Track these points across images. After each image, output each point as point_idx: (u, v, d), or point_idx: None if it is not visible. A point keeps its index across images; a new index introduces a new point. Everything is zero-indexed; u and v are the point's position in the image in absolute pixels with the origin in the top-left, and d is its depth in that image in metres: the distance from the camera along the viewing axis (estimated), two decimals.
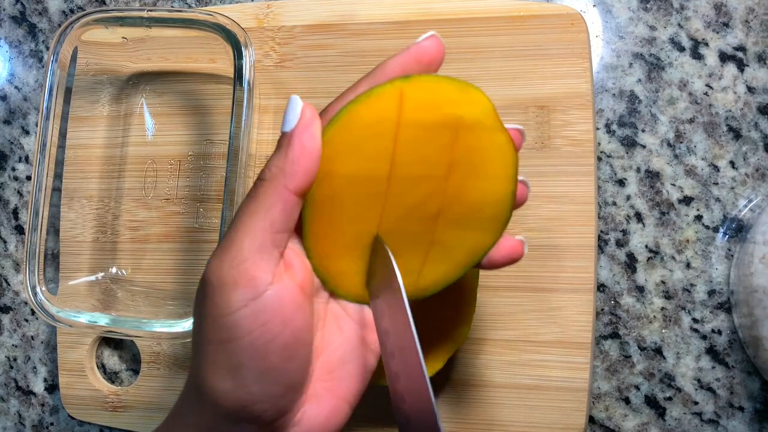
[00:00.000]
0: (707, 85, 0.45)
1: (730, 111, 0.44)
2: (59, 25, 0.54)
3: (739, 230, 0.44)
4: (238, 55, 0.42)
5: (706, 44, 0.45)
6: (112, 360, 0.51)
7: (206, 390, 0.27)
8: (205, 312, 0.27)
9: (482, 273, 0.43)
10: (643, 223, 0.45)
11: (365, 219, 0.29)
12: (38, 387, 0.53)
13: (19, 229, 0.54)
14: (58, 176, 0.45)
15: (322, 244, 0.29)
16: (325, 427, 0.29)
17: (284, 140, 0.27)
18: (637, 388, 0.44)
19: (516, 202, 0.30)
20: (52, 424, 0.53)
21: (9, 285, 0.54)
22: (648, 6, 0.46)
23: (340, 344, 0.30)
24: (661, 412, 0.44)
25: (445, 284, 0.31)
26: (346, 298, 0.31)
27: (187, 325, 0.42)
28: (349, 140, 0.28)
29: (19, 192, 0.54)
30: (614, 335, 0.45)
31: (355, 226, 0.29)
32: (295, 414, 0.28)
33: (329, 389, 0.29)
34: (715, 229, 0.44)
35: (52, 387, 0.53)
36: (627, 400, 0.45)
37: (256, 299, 0.26)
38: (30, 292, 0.43)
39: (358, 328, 0.30)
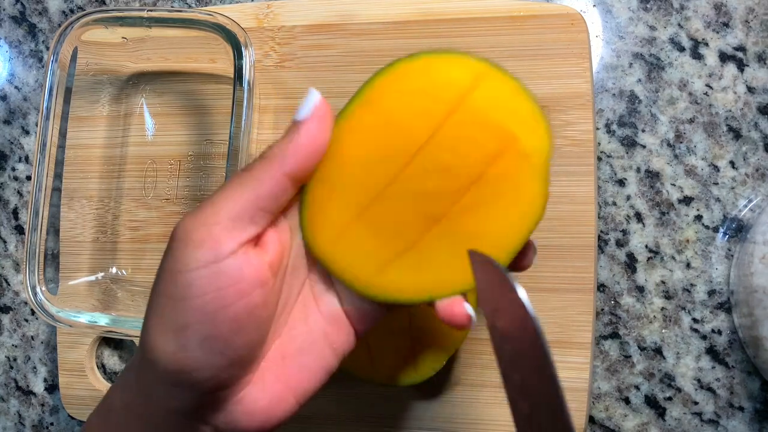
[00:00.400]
0: (707, 85, 0.45)
1: (730, 111, 0.44)
2: (59, 25, 0.54)
3: (739, 230, 0.44)
4: (238, 55, 0.42)
5: (706, 44, 0.45)
6: (112, 360, 0.51)
7: (149, 348, 0.27)
8: (165, 266, 0.26)
9: None
10: (643, 223, 0.45)
11: (367, 187, 0.27)
12: (38, 387, 0.53)
13: (19, 229, 0.54)
14: (58, 176, 0.45)
15: (324, 222, 0.28)
16: (266, 413, 0.28)
17: (293, 127, 0.27)
18: (637, 388, 0.44)
19: (517, 263, 0.29)
20: (52, 424, 0.53)
21: (9, 285, 0.54)
22: (648, 6, 0.46)
23: (301, 333, 0.29)
24: (661, 412, 0.44)
25: (398, 297, 0.28)
26: (352, 287, 0.29)
27: None
28: (399, 93, 0.27)
29: (19, 192, 0.54)
30: (614, 335, 0.45)
31: (356, 194, 0.28)
32: (237, 391, 0.28)
33: (278, 376, 0.28)
34: (715, 229, 0.44)
35: (52, 387, 0.53)
36: (627, 400, 0.45)
37: (216, 263, 0.25)
38: (30, 292, 0.43)
39: (324, 323, 0.29)
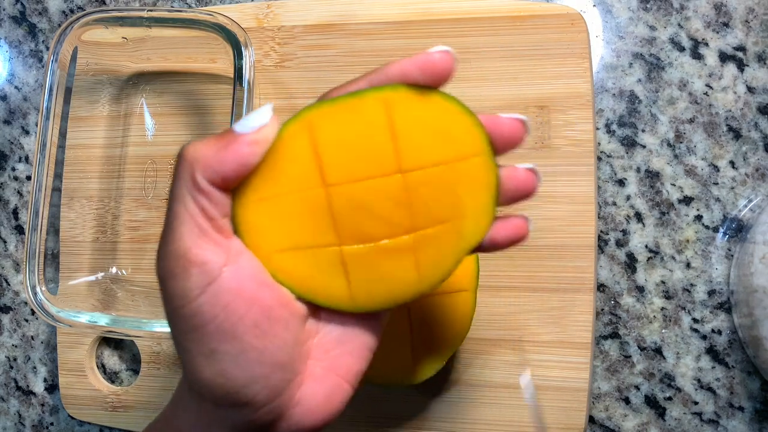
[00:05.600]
0: (707, 85, 0.45)
1: (730, 111, 0.44)
2: (59, 25, 0.54)
3: (739, 230, 0.44)
4: (238, 55, 0.42)
5: (706, 44, 0.45)
6: (112, 360, 0.51)
7: (192, 382, 0.27)
8: (167, 308, 0.26)
9: (482, 273, 0.43)
10: (643, 223, 0.45)
11: (321, 232, 0.27)
12: (38, 387, 0.53)
13: (19, 229, 0.54)
14: (58, 176, 0.45)
15: (286, 261, 0.28)
16: (326, 406, 0.28)
17: (229, 136, 0.25)
18: (637, 388, 0.44)
19: (522, 188, 0.28)
20: (52, 424, 0.53)
21: (9, 285, 0.54)
22: (648, 6, 0.46)
23: (336, 325, 0.29)
24: (661, 412, 0.44)
25: (451, 271, 0.29)
26: (335, 307, 0.29)
27: None
28: (308, 146, 0.27)
29: (19, 192, 0.54)
30: (614, 335, 0.45)
31: (312, 238, 0.28)
32: (292, 394, 0.27)
33: (327, 368, 0.28)
34: (715, 229, 0.44)
35: (52, 387, 0.53)
36: (627, 400, 0.45)
37: (211, 283, 0.25)
38: (30, 292, 0.43)
39: (355, 315, 0.29)
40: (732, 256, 0.44)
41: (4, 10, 0.55)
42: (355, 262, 0.28)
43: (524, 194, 0.28)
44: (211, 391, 0.26)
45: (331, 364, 0.29)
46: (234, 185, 0.26)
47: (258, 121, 0.25)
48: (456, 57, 0.26)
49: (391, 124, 0.26)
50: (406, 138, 0.27)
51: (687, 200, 0.44)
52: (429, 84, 0.27)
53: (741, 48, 0.44)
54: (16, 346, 0.54)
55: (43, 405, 0.53)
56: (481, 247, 0.29)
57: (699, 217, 0.44)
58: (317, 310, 0.29)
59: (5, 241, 0.54)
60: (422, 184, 0.27)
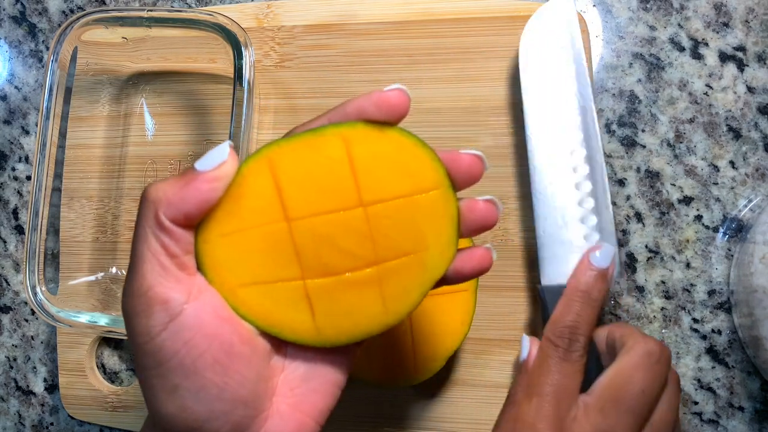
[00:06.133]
0: (707, 85, 0.45)
1: (730, 111, 0.44)
2: (59, 25, 0.54)
3: (739, 230, 0.44)
4: (238, 55, 0.42)
5: (706, 44, 0.45)
6: (112, 360, 0.51)
7: (157, 417, 0.27)
8: (132, 342, 0.27)
9: None
10: (643, 223, 0.45)
11: (285, 266, 0.28)
12: (38, 387, 0.53)
13: (19, 229, 0.54)
14: (58, 176, 0.45)
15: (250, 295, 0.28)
16: None
17: (189, 174, 0.26)
18: None
19: (482, 220, 0.28)
20: (52, 424, 0.53)
21: (9, 285, 0.54)
22: (648, 6, 0.46)
23: (302, 362, 0.29)
24: None
25: (417, 304, 0.29)
26: (300, 342, 0.29)
27: None
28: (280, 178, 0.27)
29: (19, 192, 0.54)
30: None
31: (276, 272, 0.28)
32: (257, 430, 0.28)
33: (293, 405, 0.29)
34: (715, 229, 0.44)
35: (52, 387, 0.53)
36: None
37: (173, 320, 0.26)
38: (30, 292, 0.43)
39: (321, 352, 0.29)
40: (732, 256, 0.44)
41: (4, 10, 0.55)
42: (320, 296, 0.28)
43: (485, 226, 0.28)
44: (174, 426, 0.27)
45: (297, 401, 0.29)
46: (196, 222, 0.27)
47: (217, 159, 0.26)
48: (409, 95, 0.27)
49: (350, 159, 0.27)
50: (366, 172, 0.27)
51: (687, 200, 0.44)
52: (386, 120, 0.27)
53: (741, 48, 0.44)
54: (16, 346, 0.54)
55: (43, 405, 0.53)
56: (446, 279, 0.29)
57: (699, 217, 0.44)
58: (282, 346, 0.29)
59: (5, 241, 0.54)
60: (384, 217, 0.27)
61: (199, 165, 0.27)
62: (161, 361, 0.26)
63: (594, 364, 0.38)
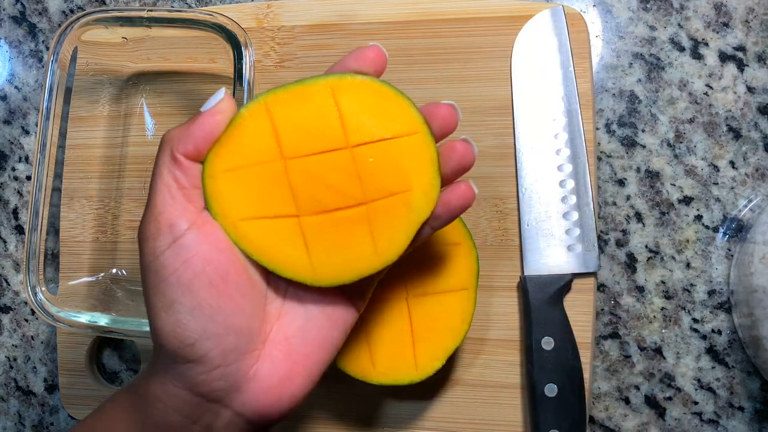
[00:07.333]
0: (707, 85, 0.45)
1: (730, 111, 0.44)
2: (59, 25, 0.54)
3: (739, 230, 0.44)
4: (238, 55, 0.42)
5: (706, 44, 0.45)
6: (112, 360, 0.51)
7: (155, 334, 0.29)
8: (141, 265, 0.30)
9: (482, 273, 0.44)
10: (643, 223, 0.45)
11: (282, 203, 0.30)
12: (38, 387, 0.53)
13: (19, 229, 0.54)
14: (58, 176, 0.45)
15: (247, 228, 0.30)
16: (281, 390, 0.30)
17: (196, 115, 0.30)
18: (637, 388, 0.44)
19: (462, 160, 0.30)
20: (52, 424, 0.53)
21: (9, 285, 0.54)
22: (648, 6, 0.46)
23: (298, 313, 0.31)
24: (661, 412, 0.44)
25: (406, 245, 0.31)
26: (297, 279, 0.31)
27: None
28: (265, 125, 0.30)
29: (19, 192, 0.54)
30: (614, 335, 0.45)
31: (273, 208, 0.30)
32: (247, 367, 0.30)
33: (286, 353, 0.30)
34: (715, 229, 0.44)
35: (52, 387, 0.53)
36: (627, 400, 0.45)
37: (175, 241, 0.29)
38: (30, 292, 0.43)
39: (319, 300, 0.32)
40: (732, 256, 0.44)
41: (4, 10, 0.55)
42: (314, 233, 0.30)
43: (463, 166, 0.31)
44: (168, 342, 0.29)
45: (290, 350, 0.31)
46: (204, 153, 0.30)
47: (215, 99, 0.30)
48: (384, 51, 0.31)
49: (337, 105, 0.30)
50: (352, 117, 0.30)
51: (687, 200, 0.44)
52: (366, 72, 0.30)
53: (741, 48, 0.44)
54: (16, 346, 0.54)
55: (43, 405, 0.53)
56: (435, 218, 0.31)
57: (699, 217, 0.44)
58: (281, 290, 0.31)
59: (5, 241, 0.54)
60: (369, 157, 0.30)
61: (203, 108, 0.30)
62: (162, 278, 0.29)
63: (576, 400, 0.40)
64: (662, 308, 0.44)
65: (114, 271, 0.49)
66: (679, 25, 0.45)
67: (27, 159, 0.54)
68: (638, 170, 0.45)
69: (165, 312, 0.29)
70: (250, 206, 0.30)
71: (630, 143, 0.45)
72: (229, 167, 0.30)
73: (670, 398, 0.44)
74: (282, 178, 0.30)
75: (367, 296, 0.33)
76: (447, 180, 0.31)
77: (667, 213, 0.45)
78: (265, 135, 0.30)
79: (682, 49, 0.45)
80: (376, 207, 0.30)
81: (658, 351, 0.44)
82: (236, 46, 0.42)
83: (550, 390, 0.41)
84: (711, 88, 0.45)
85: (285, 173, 0.30)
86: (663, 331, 0.44)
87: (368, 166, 0.30)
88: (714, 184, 0.44)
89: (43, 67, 0.54)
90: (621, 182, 0.45)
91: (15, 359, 0.54)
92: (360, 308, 0.33)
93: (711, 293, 0.44)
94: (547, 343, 0.41)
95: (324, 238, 0.30)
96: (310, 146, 0.30)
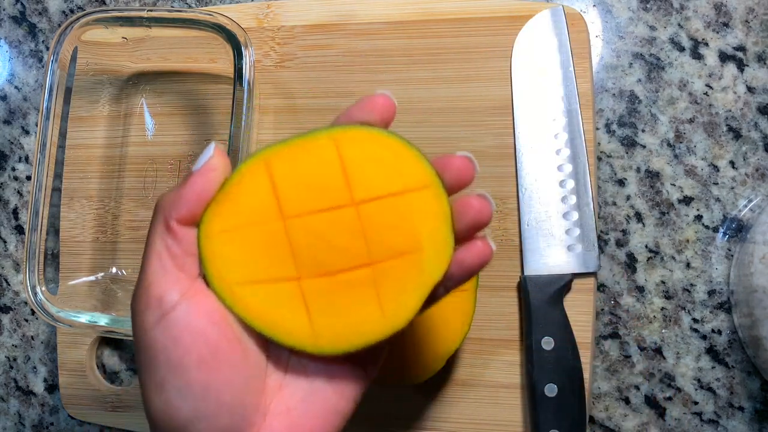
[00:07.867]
0: (707, 85, 0.45)
1: (730, 111, 0.44)
2: (59, 25, 0.54)
3: (739, 230, 0.44)
4: (238, 55, 0.42)
5: (706, 44, 0.45)
6: (112, 360, 0.51)
7: (146, 413, 0.28)
8: (134, 339, 0.28)
9: (482, 273, 0.43)
10: (643, 223, 0.45)
11: (281, 265, 0.28)
12: (38, 387, 0.53)
13: (19, 229, 0.54)
14: (58, 176, 0.45)
15: (246, 293, 0.28)
16: None
17: (187, 176, 0.28)
18: (637, 388, 0.44)
19: (478, 217, 0.28)
20: (52, 424, 0.53)
21: (9, 285, 0.54)
22: (648, 6, 0.46)
23: (302, 383, 0.29)
24: (661, 412, 0.44)
25: (417, 308, 0.28)
26: (297, 347, 0.28)
27: None
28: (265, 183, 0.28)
29: (19, 192, 0.54)
30: (614, 335, 0.45)
31: (272, 271, 0.28)
32: None
33: (287, 426, 0.28)
34: (715, 229, 0.44)
35: (52, 387, 0.53)
36: (627, 400, 0.45)
37: (164, 317, 0.27)
38: (30, 292, 0.43)
39: (324, 369, 0.29)
40: (732, 256, 0.44)
41: (4, 10, 0.55)
42: (316, 297, 0.28)
43: (480, 223, 0.28)
44: (160, 422, 0.27)
45: (293, 423, 0.28)
46: (199, 216, 0.28)
47: (205, 156, 0.29)
48: (393, 99, 0.29)
49: (341, 159, 0.28)
50: (357, 172, 0.28)
51: (687, 200, 0.44)
52: (374, 122, 0.28)
53: (741, 48, 0.44)
54: (16, 346, 0.54)
55: (43, 405, 0.53)
56: (449, 278, 0.28)
57: (699, 217, 0.44)
58: (282, 362, 0.29)
59: (5, 241, 0.54)
60: (375, 215, 0.28)
61: (194, 168, 0.29)
62: (151, 356, 0.27)
63: (576, 400, 0.40)
64: (662, 308, 0.44)
65: (114, 271, 0.49)
66: (679, 25, 0.45)
67: (27, 159, 0.54)
68: (638, 170, 0.45)
69: (155, 392, 0.27)
70: (247, 269, 0.28)
71: (630, 143, 0.45)
72: (225, 228, 0.28)
73: (670, 398, 0.44)
74: (282, 239, 0.28)
75: (378, 363, 0.31)
76: (461, 237, 0.28)
77: (667, 213, 0.45)
78: (263, 193, 0.28)
79: (682, 49, 0.45)
80: (383, 268, 0.28)
81: (658, 351, 0.44)
82: (236, 46, 0.42)
83: (550, 390, 0.41)
84: (711, 88, 0.45)
85: (285, 233, 0.28)
86: (663, 331, 0.44)
87: (374, 223, 0.27)
88: (714, 184, 0.44)
89: (43, 67, 0.54)
90: (621, 182, 0.45)
91: (15, 359, 0.54)
92: (371, 375, 0.30)
93: (711, 293, 0.44)
94: (547, 343, 0.41)
95: (326, 302, 0.28)
96: (311, 204, 0.28)
